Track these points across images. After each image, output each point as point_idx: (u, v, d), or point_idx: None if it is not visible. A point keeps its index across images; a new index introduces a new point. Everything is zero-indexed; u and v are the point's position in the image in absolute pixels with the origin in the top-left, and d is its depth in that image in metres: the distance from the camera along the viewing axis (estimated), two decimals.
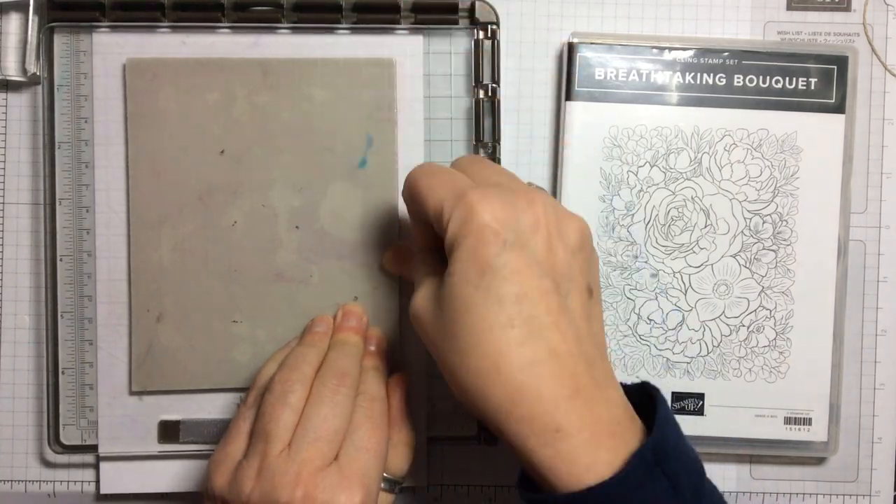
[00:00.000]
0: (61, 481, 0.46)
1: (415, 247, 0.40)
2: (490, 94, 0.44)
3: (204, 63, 0.44)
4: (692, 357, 0.45)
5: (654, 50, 0.45)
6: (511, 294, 0.33)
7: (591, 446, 0.32)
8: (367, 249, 0.44)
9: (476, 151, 0.45)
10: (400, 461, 0.42)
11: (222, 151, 0.44)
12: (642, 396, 0.36)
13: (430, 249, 0.38)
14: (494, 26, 0.44)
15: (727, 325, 0.46)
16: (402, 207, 0.45)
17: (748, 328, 0.46)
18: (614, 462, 0.32)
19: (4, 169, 0.46)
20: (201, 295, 0.44)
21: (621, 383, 0.36)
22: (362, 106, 0.44)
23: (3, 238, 0.46)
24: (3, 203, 0.46)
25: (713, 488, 0.35)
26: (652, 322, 0.46)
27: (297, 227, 0.44)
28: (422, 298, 0.36)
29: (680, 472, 0.33)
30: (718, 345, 0.46)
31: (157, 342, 0.44)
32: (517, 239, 0.34)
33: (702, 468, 0.35)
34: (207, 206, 0.44)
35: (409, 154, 0.44)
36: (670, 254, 0.45)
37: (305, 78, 0.44)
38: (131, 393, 0.45)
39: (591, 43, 0.45)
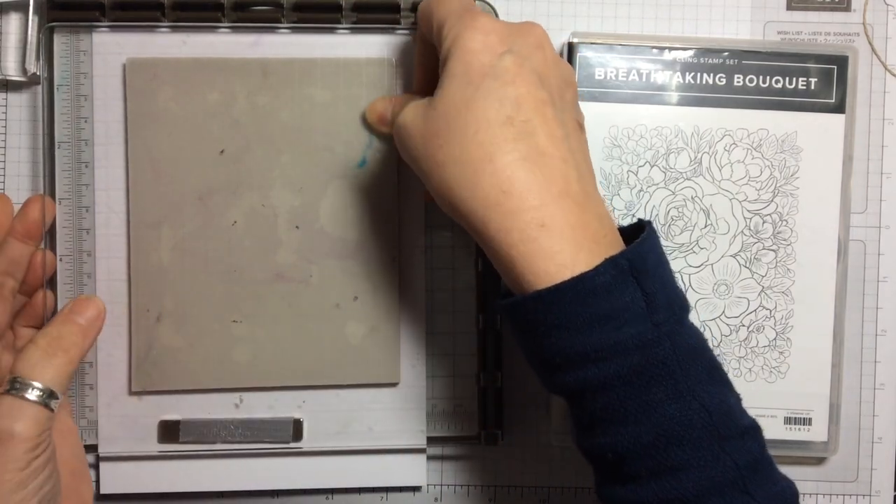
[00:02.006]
0: None
1: (415, 90, 0.41)
2: None
3: (204, 63, 0.44)
4: None
5: (654, 50, 0.45)
6: (511, 95, 0.34)
7: (572, 245, 0.33)
8: (367, 249, 0.44)
9: None
10: (52, 370, 0.37)
11: (222, 151, 0.44)
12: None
13: (425, 93, 0.38)
14: None
15: (727, 325, 0.46)
16: (402, 207, 0.45)
17: (748, 328, 0.46)
18: (591, 265, 0.32)
19: (4, 169, 0.46)
20: (201, 295, 0.44)
21: (619, 227, 0.36)
22: (362, 106, 0.44)
23: None
24: None
25: (699, 334, 0.35)
26: None
27: (296, 226, 0.44)
28: (412, 109, 0.36)
29: (657, 292, 0.33)
30: (718, 345, 0.46)
31: (156, 342, 0.44)
32: (519, 50, 0.34)
33: (685, 309, 0.35)
34: (207, 206, 0.44)
35: None
36: (670, 254, 0.45)
37: (305, 78, 0.44)
38: (131, 393, 0.45)
39: (591, 43, 0.45)
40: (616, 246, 0.34)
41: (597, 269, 0.32)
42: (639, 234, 0.35)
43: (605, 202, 0.36)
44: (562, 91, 0.36)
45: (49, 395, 0.37)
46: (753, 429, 0.34)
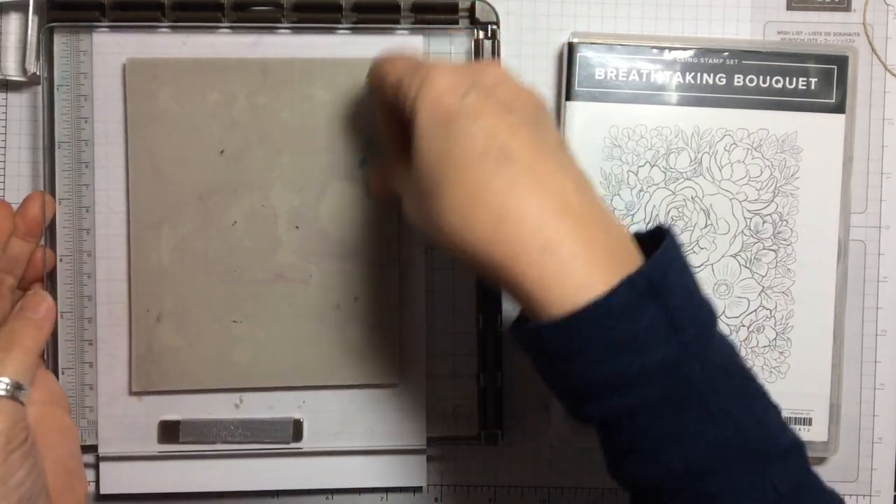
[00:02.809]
0: None
1: (391, 155, 0.40)
2: None
3: (204, 63, 0.44)
4: None
5: (654, 50, 0.45)
6: (481, 128, 0.32)
7: (583, 265, 0.30)
8: (367, 249, 0.44)
9: None
10: (13, 363, 0.38)
11: (222, 151, 0.44)
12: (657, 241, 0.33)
13: (403, 152, 0.37)
14: (494, 26, 0.44)
15: (727, 325, 0.46)
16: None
17: (748, 328, 0.46)
18: (607, 286, 0.30)
19: (4, 169, 0.46)
20: (201, 295, 0.44)
21: (636, 232, 0.35)
22: (362, 106, 0.44)
23: None
24: None
25: (731, 346, 0.33)
26: None
27: (296, 227, 0.44)
28: (399, 186, 0.36)
29: (681, 308, 0.31)
30: None
31: (156, 342, 0.44)
32: (478, 89, 0.33)
33: (714, 320, 0.32)
34: (207, 206, 0.44)
35: None
36: None
37: (305, 78, 0.44)
38: (131, 393, 0.45)
39: (591, 43, 0.45)
40: (632, 259, 0.32)
41: (613, 290, 0.30)
42: (659, 241, 0.33)
43: (613, 212, 0.35)
44: (535, 115, 0.34)
45: (16, 387, 0.37)
46: (795, 447, 0.32)
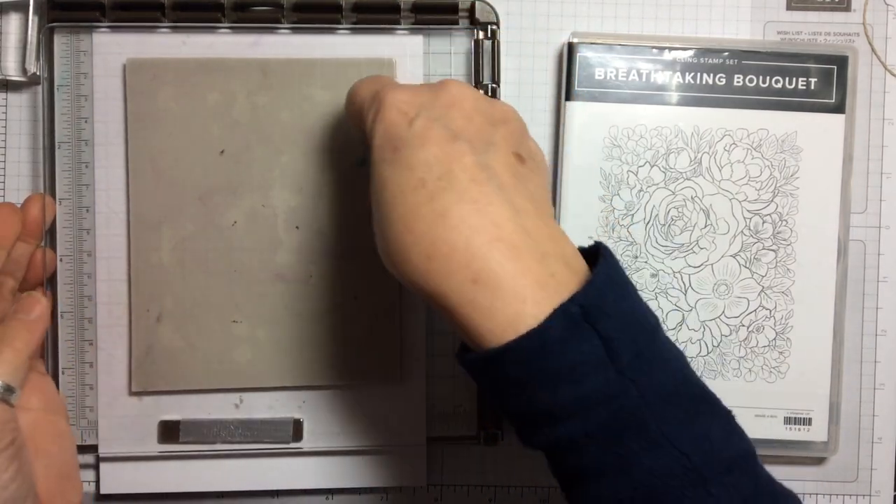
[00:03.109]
0: None
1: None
2: (490, 94, 0.44)
3: (204, 63, 0.44)
4: (692, 357, 0.45)
5: (654, 50, 0.45)
6: (422, 159, 0.32)
7: (513, 297, 0.30)
8: (367, 249, 0.44)
9: None
10: (3, 365, 0.38)
11: (222, 151, 0.44)
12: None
13: None
14: (494, 26, 0.44)
15: (727, 325, 0.46)
16: None
17: (748, 328, 0.46)
18: (541, 316, 0.30)
19: (4, 169, 0.46)
20: (201, 295, 0.44)
21: (579, 247, 0.34)
22: None
23: None
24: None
25: (674, 359, 0.32)
26: None
27: (296, 227, 0.44)
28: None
29: (618, 333, 0.30)
30: (718, 345, 0.46)
31: (156, 342, 0.44)
32: (429, 114, 0.33)
33: (654, 328, 0.32)
34: (207, 206, 0.44)
35: None
36: (670, 254, 0.45)
37: (305, 78, 0.44)
38: (131, 393, 0.45)
39: (591, 43, 0.45)
40: (568, 284, 0.31)
41: (546, 322, 0.29)
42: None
43: (560, 232, 0.33)
44: (487, 134, 0.34)
45: (5, 389, 0.37)
46: (743, 457, 0.32)
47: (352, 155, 0.44)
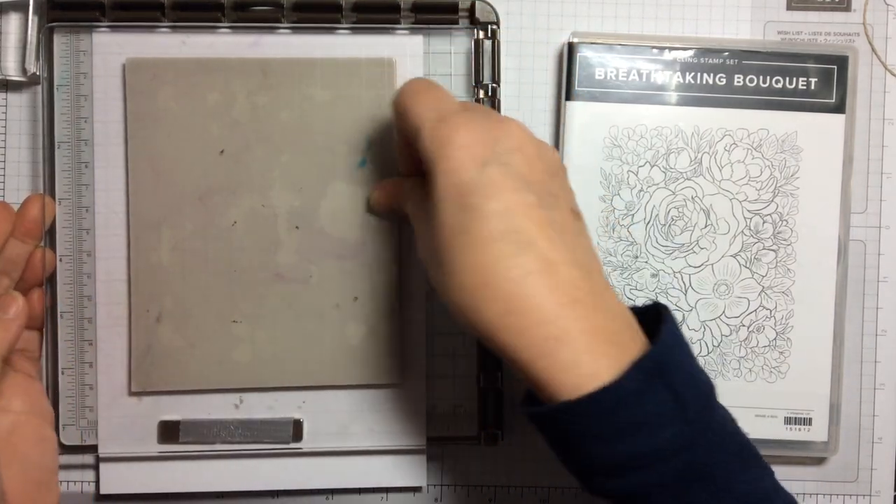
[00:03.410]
0: (61, 481, 0.46)
1: (401, 172, 0.40)
2: (490, 94, 0.44)
3: (204, 63, 0.44)
4: None
5: (654, 50, 0.45)
6: (495, 210, 0.33)
7: (590, 354, 0.31)
8: (367, 249, 0.44)
9: None
10: None
11: (222, 151, 0.44)
12: (655, 319, 0.35)
13: (417, 179, 0.38)
14: (494, 26, 0.44)
15: (727, 325, 0.46)
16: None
17: (748, 328, 0.46)
18: (615, 371, 0.31)
19: (4, 169, 0.46)
20: (201, 295, 0.44)
21: (632, 307, 0.35)
22: (362, 106, 0.44)
23: None
24: None
25: (726, 413, 0.34)
26: None
27: (296, 227, 0.44)
28: (419, 239, 0.37)
29: (685, 389, 0.32)
30: (718, 345, 0.46)
31: (156, 342, 0.44)
32: (497, 159, 0.33)
33: (712, 391, 0.34)
34: (207, 206, 0.44)
35: None
36: (670, 254, 0.45)
37: (305, 78, 0.44)
38: (131, 393, 0.45)
39: (591, 43, 0.45)
40: (634, 339, 0.33)
41: (624, 376, 0.31)
42: (654, 314, 0.34)
43: (613, 289, 0.35)
44: (548, 185, 0.35)
45: None
46: None
47: (352, 155, 0.44)
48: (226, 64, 0.44)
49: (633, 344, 0.33)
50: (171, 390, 0.45)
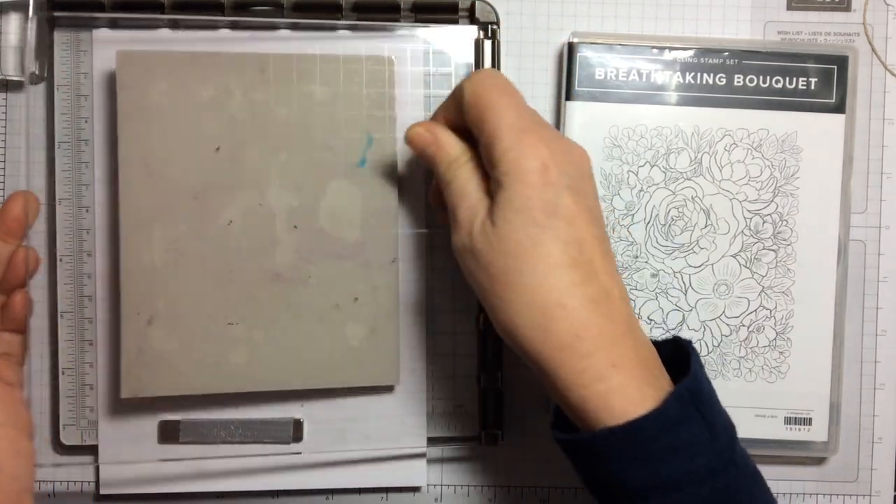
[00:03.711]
0: (61, 481, 0.46)
1: (449, 166, 0.38)
2: None
3: (199, 57, 0.43)
4: None
5: (654, 50, 0.45)
6: (574, 237, 0.34)
7: (639, 381, 0.33)
8: (366, 249, 0.44)
9: None
10: None
11: (217, 149, 0.44)
12: (673, 351, 0.37)
13: (471, 170, 0.37)
14: (494, 26, 0.44)
15: (727, 325, 0.46)
16: (402, 207, 0.45)
17: (748, 328, 0.45)
18: (656, 399, 0.33)
19: (4, 169, 0.46)
20: (195, 297, 0.43)
21: (653, 340, 0.37)
22: (362, 104, 0.44)
23: None
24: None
25: (744, 450, 0.36)
26: (652, 322, 0.45)
27: (295, 226, 0.44)
28: (478, 231, 0.35)
29: (715, 420, 0.34)
30: (718, 345, 0.45)
31: (147, 346, 0.43)
32: (573, 185, 0.35)
33: (733, 424, 0.36)
34: (202, 205, 0.43)
35: (409, 153, 0.44)
36: (670, 254, 0.45)
37: (305, 74, 0.44)
38: (122, 399, 0.43)
39: (591, 43, 0.45)
40: (662, 371, 0.35)
41: (665, 403, 0.33)
42: (671, 349, 0.37)
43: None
44: (600, 211, 0.37)
45: None
46: None
47: (352, 154, 0.44)
48: (222, 59, 0.43)
49: (661, 374, 0.35)
50: (163, 396, 0.44)
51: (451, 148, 0.38)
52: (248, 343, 0.44)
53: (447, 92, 0.45)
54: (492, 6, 0.44)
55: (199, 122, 0.43)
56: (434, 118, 0.40)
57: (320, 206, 0.44)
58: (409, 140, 0.40)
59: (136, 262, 0.43)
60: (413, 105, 0.45)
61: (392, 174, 0.44)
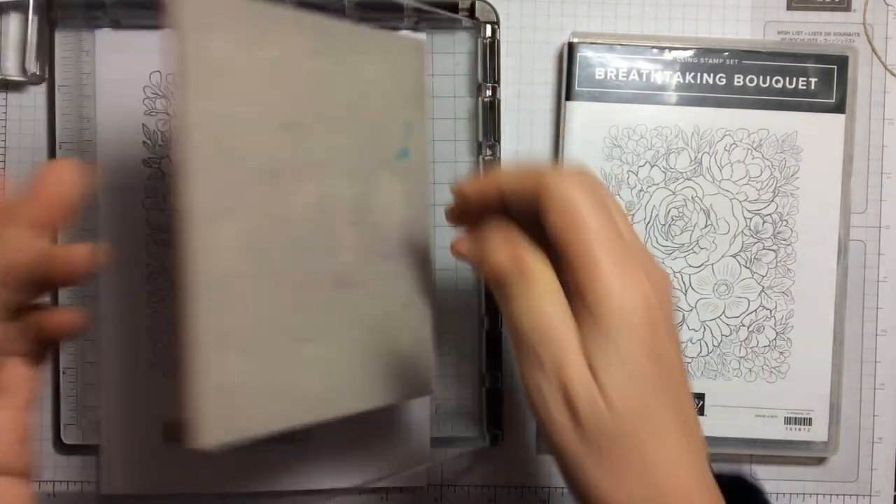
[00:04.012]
0: (61, 481, 0.46)
1: (540, 299, 0.31)
2: (490, 93, 0.44)
3: (263, 8, 0.33)
4: (692, 357, 0.45)
5: (654, 50, 0.45)
6: (680, 396, 0.30)
7: None
8: (407, 249, 0.39)
9: (481, 151, 0.45)
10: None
11: (285, 124, 0.34)
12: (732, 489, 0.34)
13: (559, 304, 0.30)
14: (494, 26, 0.44)
15: (727, 325, 0.46)
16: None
17: (748, 328, 0.46)
18: None
19: (4, 169, 0.46)
20: (270, 310, 0.33)
21: (717, 473, 0.33)
22: (404, 88, 0.38)
23: None
24: None
25: None
26: None
27: (355, 221, 0.36)
28: (591, 413, 0.29)
29: None
30: (718, 345, 0.46)
31: (227, 379, 0.32)
32: (668, 320, 0.31)
33: None
34: (272, 193, 0.33)
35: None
36: (670, 254, 0.45)
37: (357, 48, 0.36)
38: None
39: (591, 43, 0.45)
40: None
41: None
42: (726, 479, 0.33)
43: None
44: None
45: None
46: None
47: (394, 143, 0.38)
48: (287, 15, 0.34)
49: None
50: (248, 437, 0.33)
51: (542, 282, 0.31)
52: (320, 363, 0.35)
53: (447, 92, 0.45)
54: (492, 6, 0.45)
55: (265, 88, 0.33)
56: (483, 184, 0.33)
57: (371, 199, 0.37)
58: (481, 265, 0.32)
59: (210, 268, 0.31)
60: None
61: (427, 167, 0.40)
